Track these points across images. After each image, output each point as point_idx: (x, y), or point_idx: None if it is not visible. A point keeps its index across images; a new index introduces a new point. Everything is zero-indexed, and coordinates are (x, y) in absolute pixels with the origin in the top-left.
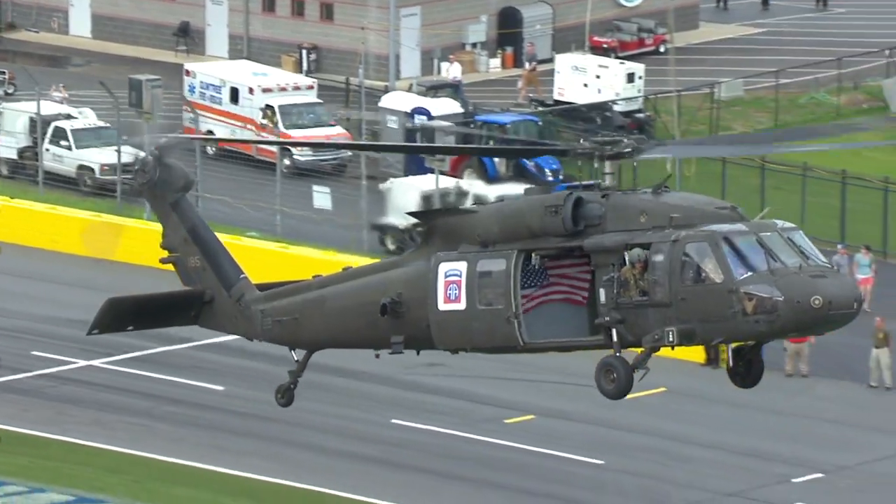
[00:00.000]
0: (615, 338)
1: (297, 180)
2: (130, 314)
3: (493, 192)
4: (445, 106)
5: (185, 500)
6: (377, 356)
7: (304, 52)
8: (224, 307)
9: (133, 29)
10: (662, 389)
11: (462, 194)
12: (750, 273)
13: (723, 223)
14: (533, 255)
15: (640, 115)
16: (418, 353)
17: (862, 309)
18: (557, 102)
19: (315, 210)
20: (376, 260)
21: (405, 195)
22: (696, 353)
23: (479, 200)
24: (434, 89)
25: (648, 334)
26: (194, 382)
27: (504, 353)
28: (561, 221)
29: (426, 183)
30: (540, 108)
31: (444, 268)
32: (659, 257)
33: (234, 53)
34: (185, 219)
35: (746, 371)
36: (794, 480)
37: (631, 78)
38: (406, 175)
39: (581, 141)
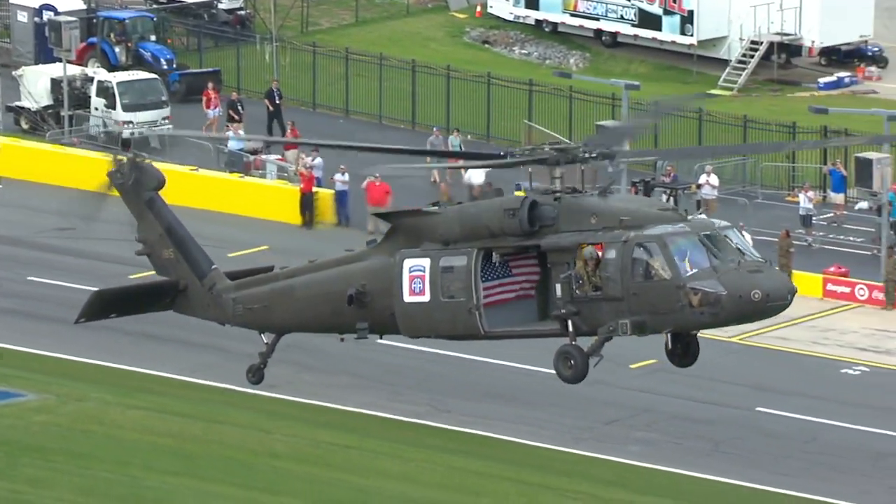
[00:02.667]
0: (571, 328)
1: None
2: (114, 303)
3: (115, 78)
4: (70, 2)
5: None
6: (342, 339)
7: None
8: (198, 295)
9: None
10: (265, 248)
11: (88, 79)
12: (695, 270)
13: (667, 224)
14: (493, 253)
15: (242, 13)
16: (381, 337)
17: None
18: (171, 1)
19: None
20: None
21: (36, 80)
22: (294, 216)
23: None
24: None
25: (602, 325)
26: None
27: (466, 340)
28: (518, 223)
29: (55, 70)
30: (154, 6)
31: (408, 263)
32: (611, 256)
33: None
34: (160, 216)
35: (684, 352)
36: None
37: None
38: (37, 63)
39: (536, 150)
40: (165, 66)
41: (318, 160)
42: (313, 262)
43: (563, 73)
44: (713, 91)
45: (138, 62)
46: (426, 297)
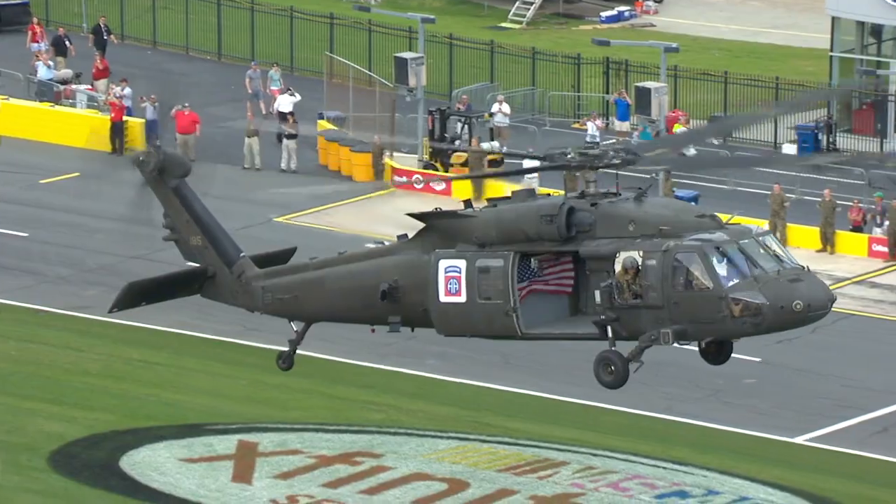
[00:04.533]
0: (610, 334)
1: None
2: (145, 293)
3: None
4: None
5: None
6: (373, 330)
7: None
8: (226, 282)
9: None
10: (76, 174)
11: None
12: (736, 280)
13: (705, 232)
14: (532, 258)
15: None
16: (413, 331)
17: None
18: None
19: None
20: None
21: None
22: (104, 144)
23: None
24: None
25: (643, 332)
26: None
27: (503, 340)
28: (556, 229)
29: None
30: None
31: (444, 264)
32: (652, 265)
33: None
34: (187, 203)
35: (718, 351)
36: None
37: None
38: None
39: (571, 155)
40: None
41: (128, 90)
42: (343, 253)
43: (362, 7)
44: (503, 24)
45: None
46: (462, 298)
